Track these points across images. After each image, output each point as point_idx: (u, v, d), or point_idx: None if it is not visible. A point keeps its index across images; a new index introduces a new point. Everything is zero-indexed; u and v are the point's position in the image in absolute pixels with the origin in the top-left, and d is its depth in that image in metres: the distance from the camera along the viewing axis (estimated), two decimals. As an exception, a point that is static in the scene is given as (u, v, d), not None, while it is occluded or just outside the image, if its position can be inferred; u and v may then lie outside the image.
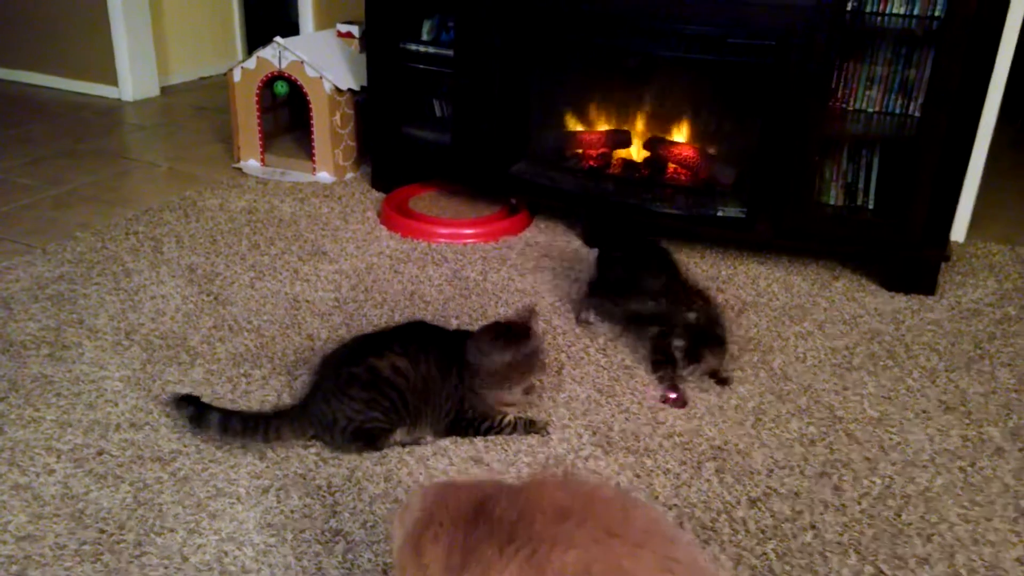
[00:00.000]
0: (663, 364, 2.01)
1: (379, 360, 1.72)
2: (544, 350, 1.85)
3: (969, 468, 1.77)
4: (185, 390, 1.91)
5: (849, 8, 2.40)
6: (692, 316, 2.00)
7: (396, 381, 1.71)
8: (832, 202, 2.68)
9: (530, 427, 1.82)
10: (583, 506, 0.95)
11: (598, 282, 2.30)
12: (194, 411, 1.75)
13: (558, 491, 0.98)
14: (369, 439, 1.73)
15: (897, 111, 2.58)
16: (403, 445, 1.76)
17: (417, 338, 1.79)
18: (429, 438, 1.78)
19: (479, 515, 1.00)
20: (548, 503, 0.95)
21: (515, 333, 1.78)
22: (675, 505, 1.63)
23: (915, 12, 2.45)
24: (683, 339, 1.98)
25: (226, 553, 1.49)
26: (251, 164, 3.32)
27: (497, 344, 1.75)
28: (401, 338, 1.78)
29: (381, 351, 1.74)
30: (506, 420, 1.80)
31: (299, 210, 2.97)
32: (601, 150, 2.98)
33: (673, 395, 1.95)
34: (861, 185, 2.65)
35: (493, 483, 1.07)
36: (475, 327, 1.83)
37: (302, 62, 3.07)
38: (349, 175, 3.28)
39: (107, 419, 1.83)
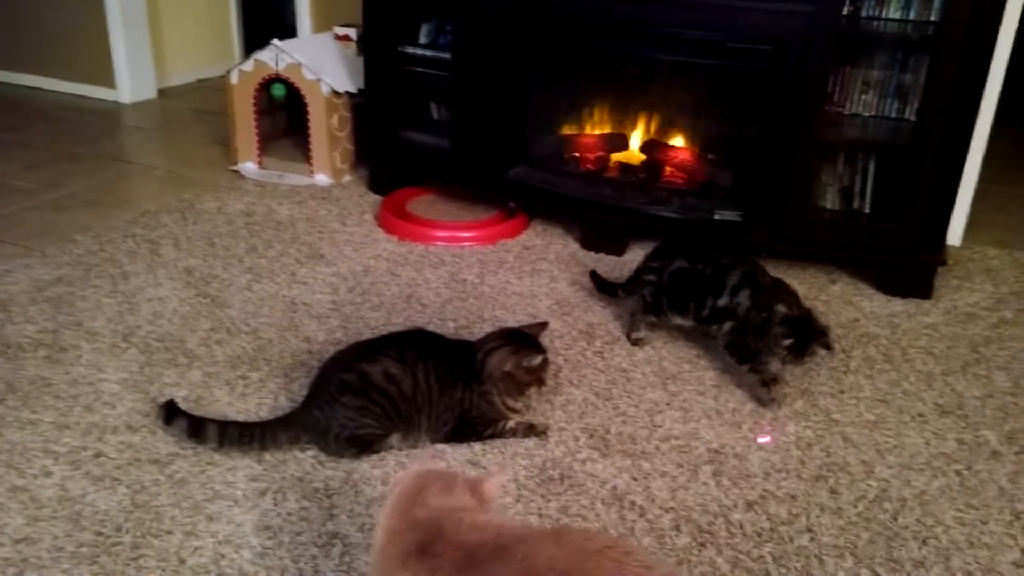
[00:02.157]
0: (750, 359, 1.98)
1: (371, 366, 1.72)
2: (549, 361, 1.86)
3: (965, 472, 1.77)
4: (182, 393, 1.92)
5: (845, 13, 2.41)
6: (783, 308, 1.91)
7: (387, 388, 1.71)
8: (829, 206, 2.69)
9: (530, 431, 1.82)
10: (578, 565, 0.98)
11: (656, 296, 2.16)
12: (188, 424, 1.75)
13: (555, 549, 1.00)
14: (363, 445, 1.73)
15: (893, 115, 2.58)
16: (400, 449, 1.76)
17: (416, 345, 1.78)
18: (427, 444, 1.79)
19: (471, 563, 1.01)
20: (545, 566, 0.98)
21: (530, 340, 1.81)
22: (672, 508, 1.63)
23: (911, 17, 2.46)
24: (788, 335, 1.89)
25: (223, 556, 1.49)
26: (249, 167, 3.32)
27: (511, 349, 1.77)
28: (398, 344, 1.78)
29: (374, 357, 1.74)
30: (509, 426, 1.81)
31: (296, 213, 2.97)
32: (598, 153, 2.98)
33: (766, 436, 1.88)
34: (858, 189, 2.65)
35: (487, 522, 1.08)
36: (473, 331, 1.83)
37: (300, 65, 3.07)
38: (347, 178, 3.28)
39: (105, 421, 1.83)
